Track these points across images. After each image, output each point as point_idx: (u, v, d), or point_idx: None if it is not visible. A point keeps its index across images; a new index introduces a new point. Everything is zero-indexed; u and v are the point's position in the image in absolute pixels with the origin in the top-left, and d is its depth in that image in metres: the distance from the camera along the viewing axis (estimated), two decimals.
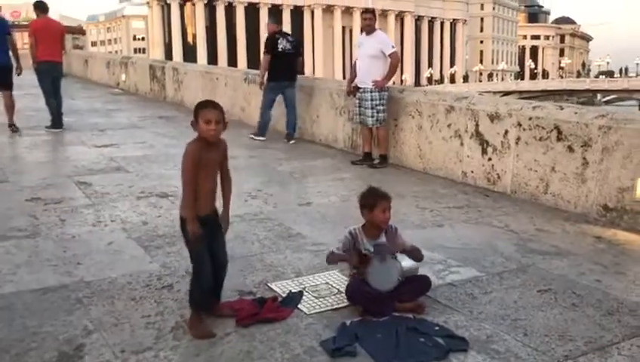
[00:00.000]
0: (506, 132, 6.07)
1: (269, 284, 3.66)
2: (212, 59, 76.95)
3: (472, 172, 6.49)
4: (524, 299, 3.52)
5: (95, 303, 3.37)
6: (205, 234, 2.99)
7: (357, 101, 7.48)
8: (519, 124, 5.92)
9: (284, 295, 3.48)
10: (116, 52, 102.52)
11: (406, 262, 3.42)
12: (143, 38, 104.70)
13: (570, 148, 5.45)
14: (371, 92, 7.28)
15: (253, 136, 9.12)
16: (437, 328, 3.11)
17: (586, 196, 5.34)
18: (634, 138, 4.96)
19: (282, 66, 8.94)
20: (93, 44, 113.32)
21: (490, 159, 6.27)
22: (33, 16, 10.52)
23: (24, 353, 2.82)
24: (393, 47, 7.47)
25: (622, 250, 4.46)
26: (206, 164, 2.97)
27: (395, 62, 7.40)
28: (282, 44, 8.98)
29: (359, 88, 7.44)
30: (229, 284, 3.36)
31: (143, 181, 6.40)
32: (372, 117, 7.32)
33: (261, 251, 4.27)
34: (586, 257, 4.28)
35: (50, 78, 9.78)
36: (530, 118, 5.83)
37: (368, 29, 7.54)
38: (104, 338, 2.96)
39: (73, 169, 7.00)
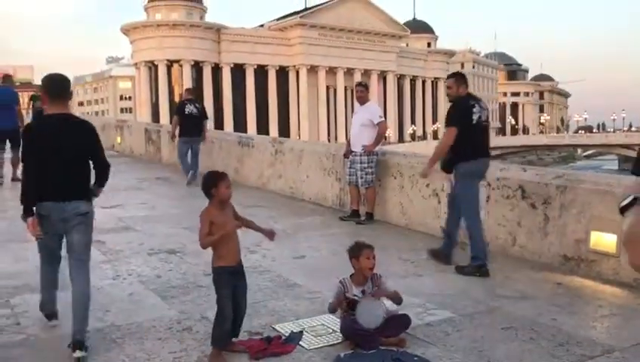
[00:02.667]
0: None
1: (273, 326, 4.28)
2: None
3: None
4: (489, 335, 4.17)
5: (127, 343, 3.97)
6: (232, 282, 3.67)
7: (349, 163, 8.23)
8: (489, 184, 6.67)
9: (287, 334, 4.11)
10: (103, 112, 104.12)
11: (388, 303, 4.08)
12: (129, 98, 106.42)
13: (533, 206, 6.18)
14: (361, 155, 8.04)
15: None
16: (416, 358, 3.74)
17: (549, 248, 6.05)
18: (585, 196, 5.71)
19: (189, 126, 11.54)
20: (80, 103, 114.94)
21: None
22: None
23: None
24: (381, 116, 8.30)
25: (577, 294, 5.15)
26: (225, 222, 3.67)
27: (382, 131, 8.22)
28: (189, 109, 11.59)
29: (352, 152, 8.21)
30: None
31: (151, 239, 7.03)
32: (361, 178, 8.05)
33: (264, 299, 4.90)
34: (546, 300, 4.95)
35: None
36: (498, 179, 6.58)
37: (361, 100, 8.40)
38: None
39: None
